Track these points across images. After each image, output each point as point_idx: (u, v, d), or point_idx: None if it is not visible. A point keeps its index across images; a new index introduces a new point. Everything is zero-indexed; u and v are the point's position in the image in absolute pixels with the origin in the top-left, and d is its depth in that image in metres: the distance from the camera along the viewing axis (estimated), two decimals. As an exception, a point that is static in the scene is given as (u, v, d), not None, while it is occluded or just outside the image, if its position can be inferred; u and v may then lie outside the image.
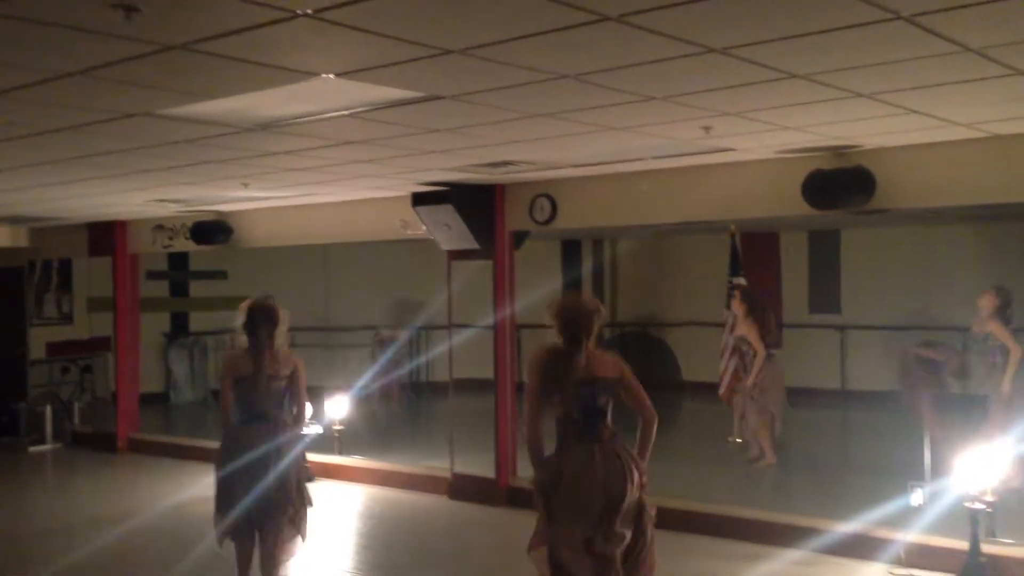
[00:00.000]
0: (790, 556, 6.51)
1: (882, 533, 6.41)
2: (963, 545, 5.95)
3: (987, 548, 5.93)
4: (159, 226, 11.14)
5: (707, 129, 5.33)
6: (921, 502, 6.33)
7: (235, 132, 5.31)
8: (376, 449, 9.98)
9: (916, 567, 6.13)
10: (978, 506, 5.86)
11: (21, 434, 11.89)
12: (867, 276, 13.85)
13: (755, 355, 9.13)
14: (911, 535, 6.25)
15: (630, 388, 4.39)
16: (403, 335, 13.82)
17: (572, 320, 4.31)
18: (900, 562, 6.19)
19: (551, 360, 4.32)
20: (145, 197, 8.77)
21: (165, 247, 11.30)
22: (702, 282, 14.07)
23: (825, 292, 14.32)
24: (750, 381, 9.09)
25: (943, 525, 6.19)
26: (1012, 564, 5.94)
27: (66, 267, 13.98)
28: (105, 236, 11.54)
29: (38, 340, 13.28)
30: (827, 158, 6.33)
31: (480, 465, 8.46)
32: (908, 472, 6.81)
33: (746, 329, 9.29)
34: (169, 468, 10.34)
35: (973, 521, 5.88)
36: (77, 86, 4.16)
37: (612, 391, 4.35)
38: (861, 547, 6.46)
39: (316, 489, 9.08)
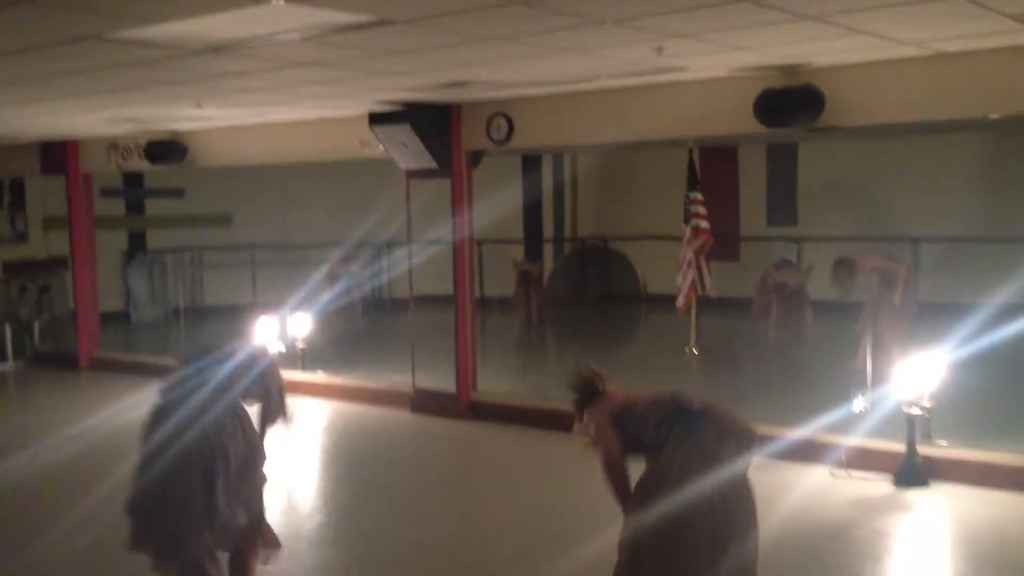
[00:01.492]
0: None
1: (826, 438, 6.71)
2: (900, 448, 6.28)
3: (923, 450, 6.27)
4: (113, 145, 10.99)
5: (659, 50, 5.38)
6: (863, 408, 6.63)
7: (186, 55, 5.26)
8: (339, 365, 10.15)
9: (856, 469, 6.45)
10: (915, 411, 6.17)
11: (-19, 355, 11.90)
12: (823, 188, 14.07)
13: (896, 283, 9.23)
14: (853, 439, 6.56)
15: None
16: (355, 268, 13.92)
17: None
18: (841, 464, 6.51)
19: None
20: (98, 116, 8.65)
21: (119, 166, 11.18)
22: (661, 196, 14.21)
23: (782, 205, 14.53)
24: (897, 299, 9.19)
25: (883, 429, 6.49)
26: (945, 464, 6.28)
27: (18, 186, 13.76)
28: (58, 155, 11.39)
29: (-7, 260, 13.18)
30: (778, 77, 6.41)
31: (441, 380, 8.65)
32: (854, 379, 7.10)
33: (876, 262, 9.39)
34: (132, 385, 10.41)
35: (909, 425, 6.20)
36: (26, 11, 4.11)
37: None
38: (807, 452, 6.75)
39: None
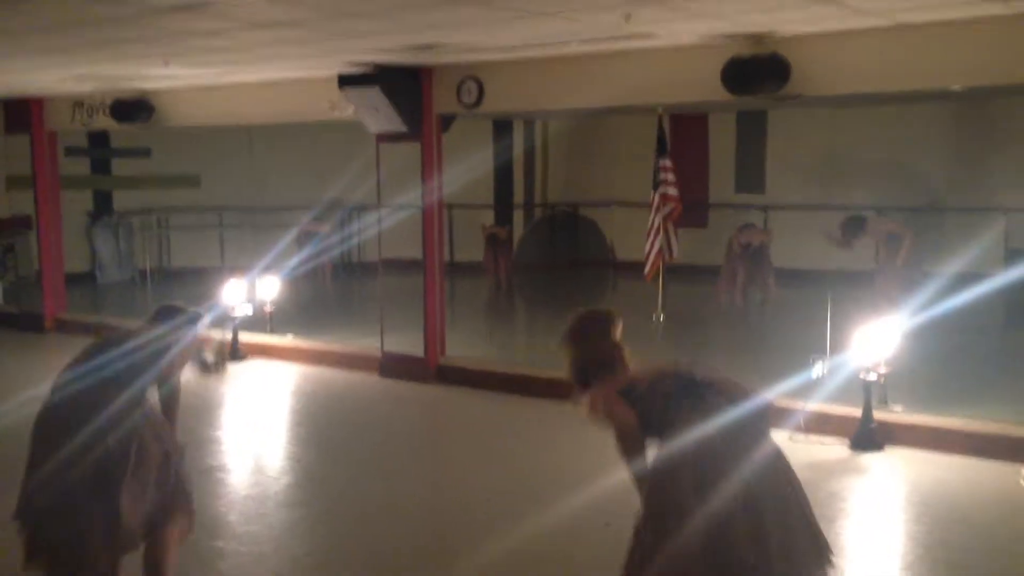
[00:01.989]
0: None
1: (786, 403, 6.83)
2: (857, 413, 6.44)
3: (878, 415, 6.44)
4: (78, 103, 10.84)
5: (627, 17, 5.41)
6: (821, 374, 6.78)
7: (154, 12, 5.21)
8: (308, 328, 10.16)
9: (815, 433, 6.60)
10: (871, 377, 6.33)
11: (-55, 314, 11.79)
12: (791, 156, 14.18)
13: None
14: (811, 405, 6.70)
15: None
16: (326, 228, 13.86)
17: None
18: (800, 429, 6.66)
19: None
20: (63, 74, 8.53)
21: (85, 125, 11.03)
22: (632, 162, 14.26)
23: (751, 172, 14.64)
24: (900, 261, 9.46)
25: (841, 395, 6.63)
26: (899, 429, 6.45)
27: (-19, 144, 13.56)
28: (21, 113, 11.22)
29: (-45, 220, 12.99)
30: (746, 44, 6.45)
31: (409, 344, 8.70)
32: (815, 346, 7.23)
33: (886, 226, 9.72)
34: (100, 348, 10.39)
35: (866, 391, 6.35)
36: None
37: None
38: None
39: (249, 368, 9.32)
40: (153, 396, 3.85)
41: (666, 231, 10.64)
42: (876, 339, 6.31)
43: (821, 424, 6.63)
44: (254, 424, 7.69)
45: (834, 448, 6.42)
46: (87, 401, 3.63)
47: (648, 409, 3.24)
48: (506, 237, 13.75)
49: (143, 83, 9.52)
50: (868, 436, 6.37)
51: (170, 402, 3.92)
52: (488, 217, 14.69)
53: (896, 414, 6.55)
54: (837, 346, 6.85)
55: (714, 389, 3.24)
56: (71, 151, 13.78)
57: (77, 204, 14.01)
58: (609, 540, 4.99)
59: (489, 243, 13.46)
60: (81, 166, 14.54)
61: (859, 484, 5.96)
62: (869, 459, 6.25)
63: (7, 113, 11.37)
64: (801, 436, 6.59)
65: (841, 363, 6.59)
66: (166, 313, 4.00)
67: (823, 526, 5.05)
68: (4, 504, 5.41)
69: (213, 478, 6.12)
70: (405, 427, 7.56)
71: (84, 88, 9.94)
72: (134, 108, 10.12)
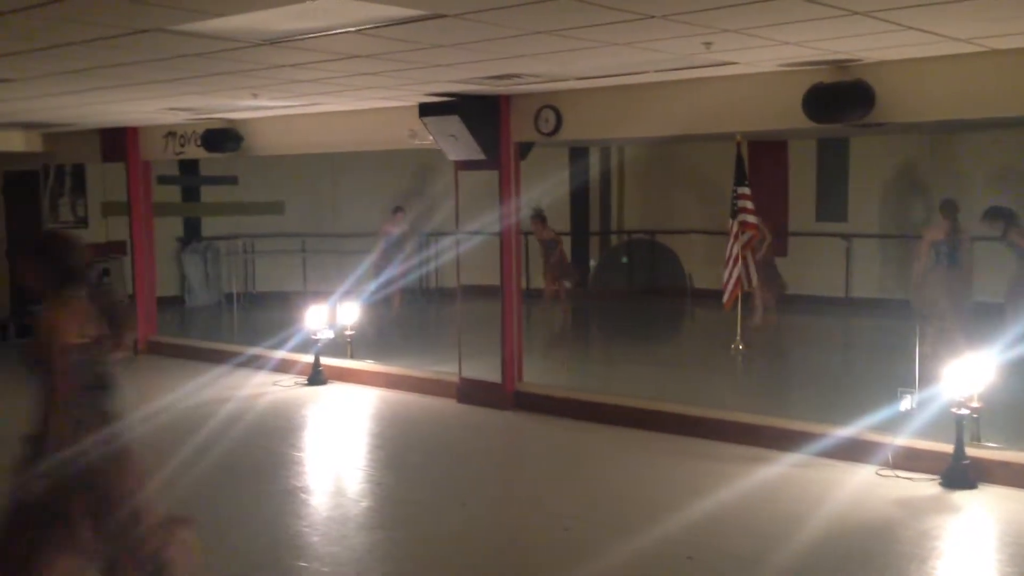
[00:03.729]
0: (788, 459, 6.79)
1: (873, 437, 6.66)
2: (948, 449, 6.21)
3: (971, 452, 6.20)
4: (170, 133, 11.25)
5: (708, 45, 5.39)
6: (910, 408, 6.58)
7: (245, 47, 5.40)
8: (386, 353, 10.28)
9: (903, 469, 6.40)
10: (963, 412, 6.11)
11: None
12: (874, 184, 13.88)
13: None
14: (900, 439, 6.51)
15: None
16: (402, 227, 13.58)
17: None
18: (888, 465, 6.47)
19: None
20: (157, 105, 8.87)
21: (177, 154, 11.44)
22: (710, 190, 14.14)
23: (832, 200, 14.37)
24: None
25: (931, 430, 6.43)
26: (994, 466, 6.21)
27: (79, 172, 14.13)
28: (118, 142, 11.67)
29: (55, 244, 13.53)
30: (828, 72, 6.36)
31: (487, 370, 8.73)
32: (902, 378, 7.03)
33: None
34: (187, 369, 10.69)
35: (958, 426, 6.13)
36: (94, 3, 4.26)
37: None
38: (853, 451, 6.72)
39: (330, 392, 9.47)
40: None
41: (744, 260, 10.50)
42: (969, 372, 6.11)
43: (910, 460, 6.43)
44: (335, 447, 7.81)
45: (924, 485, 6.21)
46: None
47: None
48: (552, 237, 13.38)
49: (232, 114, 9.84)
50: (960, 473, 6.14)
51: None
52: (565, 245, 14.63)
53: (990, 450, 6.30)
54: (926, 379, 6.65)
55: None
56: (163, 179, 14.27)
57: (168, 230, 14.50)
58: (692, 575, 4.92)
59: (544, 253, 13.21)
60: (172, 193, 15.06)
61: (951, 523, 5.75)
62: (961, 497, 6.02)
63: (104, 142, 11.84)
64: (888, 471, 6.41)
65: (931, 396, 6.39)
66: None
67: (915, 565, 4.95)
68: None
69: (297, 499, 6.23)
70: (483, 453, 7.58)
71: (177, 119, 10.32)
72: (223, 138, 10.46)
